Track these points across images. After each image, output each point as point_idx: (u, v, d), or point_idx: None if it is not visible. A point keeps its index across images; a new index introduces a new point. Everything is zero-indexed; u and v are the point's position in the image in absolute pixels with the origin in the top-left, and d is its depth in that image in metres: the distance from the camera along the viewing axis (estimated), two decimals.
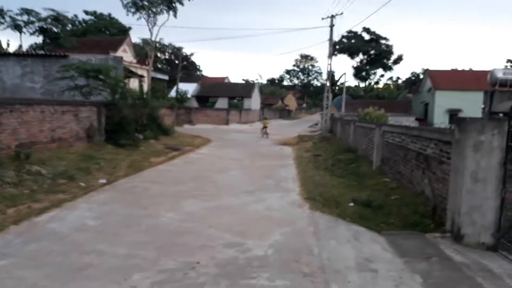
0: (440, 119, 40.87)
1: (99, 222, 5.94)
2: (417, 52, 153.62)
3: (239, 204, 7.35)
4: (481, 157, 5.56)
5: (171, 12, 26.18)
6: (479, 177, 5.57)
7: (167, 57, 64.65)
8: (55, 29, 25.88)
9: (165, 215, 6.46)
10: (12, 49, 30.40)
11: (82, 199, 7.30)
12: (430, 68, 47.15)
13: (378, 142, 11.87)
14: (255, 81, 67.93)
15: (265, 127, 25.69)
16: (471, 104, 38.96)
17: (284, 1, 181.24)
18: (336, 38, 26.73)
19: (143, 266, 4.35)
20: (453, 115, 41.56)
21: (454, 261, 5.01)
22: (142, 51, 31.88)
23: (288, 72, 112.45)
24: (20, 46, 29.11)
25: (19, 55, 18.75)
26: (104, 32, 54.90)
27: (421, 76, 67.68)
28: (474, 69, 49.77)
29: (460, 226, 5.74)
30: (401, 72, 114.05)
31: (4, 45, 31.68)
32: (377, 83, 71.45)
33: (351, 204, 7.89)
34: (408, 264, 4.86)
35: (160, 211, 6.67)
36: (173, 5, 25.87)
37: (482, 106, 33.11)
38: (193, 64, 68.75)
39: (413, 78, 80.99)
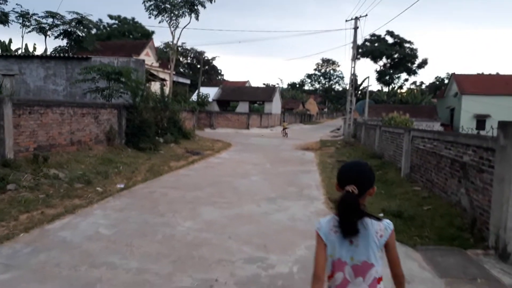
0: (467, 125, 39.56)
1: (113, 230, 5.62)
2: (441, 56, 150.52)
3: (260, 213, 6.92)
4: None
5: (193, 15, 26.20)
6: None
7: (189, 61, 65.16)
8: (79, 33, 26.11)
9: (182, 223, 6.10)
10: (38, 52, 30.97)
11: (98, 205, 7.02)
12: (456, 73, 45.69)
13: (407, 148, 11.26)
14: (276, 85, 67.48)
15: (284, 128, 30.70)
16: (500, 109, 37.57)
17: (306, 6, 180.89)
18: (359, 41, 26.12)
19: (155, 283, 3.98)
20: (481, 120, 40.22)
21: (503, 283, 4.46)
22: (165, 55, 32.03)
23: (309, 76, 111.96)
24: (46, 50, 29.59)
25: (42, 57, 18.85)
26: (128, 36, 55.66)
27: (446, 81, 65.97)
28: (501, 73, 48.10)
29: (507, 243, 5.16)
30: (425, 77, 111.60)
31: (31, 49, 32.34)
32: (400, 87, 69.93)
33: (381, 214, 7.37)
34: (451, 286, 4.34)
35: (178, 219, 6.31)
36: (195, 7, 25.82)
37: None
38: (214, 68, 69.09)
39: (437, 82, 79.20)
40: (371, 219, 1.99)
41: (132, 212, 6.67)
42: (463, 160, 7.28)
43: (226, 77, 76.52)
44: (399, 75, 66.72)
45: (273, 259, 4.73)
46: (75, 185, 8.32)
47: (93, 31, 41.76)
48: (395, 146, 13.07)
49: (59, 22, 25.25)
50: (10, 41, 31.56)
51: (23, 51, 30.36)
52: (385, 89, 69.50)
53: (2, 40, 31.20)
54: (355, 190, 1.95)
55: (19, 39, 57.87)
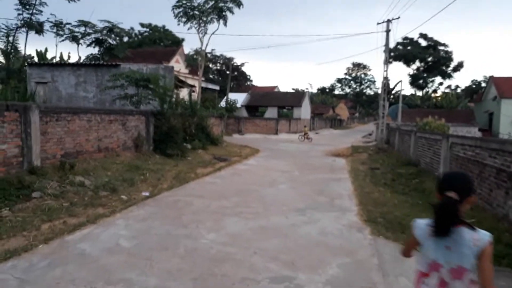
0: (507, 130, 37.66)
1: (134, 242, 5.38)
2: (478, 59, 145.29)
3: (288, 225, 6.53)
4: None
5: (221, 21, 26.15)
6: None
7: (218, 67, 65.61)
8: (110, 41, 26.58)
9: (205, 236, 5.80)
10: (72, 61, 31.82)
11: (121, 214, 6.83)
12: (494, 75, 43.62)
13: (445, 156, 10.59)
14: (305, 90, 66.82)
15: (305, 133, 30.80)
16: None
17: (336, 10, 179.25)
18: (391, 44, 25.31)
19: None
20: None
21: None
22: (194, 62, 32.20)
23: (339, 80, 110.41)
24: (79, 58, 30.36)
25: (73, 65, 19.25)
26: (159, 43, 56.52)
27: (483, 84, 63.30)
28: None
29: None
30: (461, 80, 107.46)
31: (65, 57, 33.30)
32: (435, 91, 67.63)
33: None
34: None
35: (201, 231, 6.02)
36: (224, 13, 25.77)
37: None
38: (243, 74, 69.25)
39: (473, 86, 76.19)
40: (467, 228, 2.12)
41: (155, 222, 6.43)
42: (510, 169, 6.65)
43: (255, 83, 76.62)
44: (433, 78, 64.46)
45: (301, 279, 4.34)
46: (100, 193, 8.20)
47: (125, 39, 42.62)
48: (432, 153, 12.37)
49: (91, 31, 25.81)
50: (46, 50, 32.60)
51: (58, 59, 31.31)
52: (419, 93, 67.50)
53: (38, 50, 32.32)
54: (456, 196, 2.10)
55: (53, 47, 60.06)
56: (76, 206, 7.10)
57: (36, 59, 31.74)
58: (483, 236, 2.10)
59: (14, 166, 7.87)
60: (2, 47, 28.24)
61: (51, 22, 24.56)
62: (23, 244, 5.08)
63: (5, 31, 25.68)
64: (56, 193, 7.61)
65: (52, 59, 30.96)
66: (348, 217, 7.19)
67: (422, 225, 2.26)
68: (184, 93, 23.91)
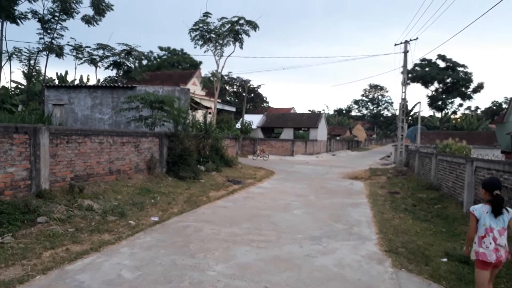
0: None
1: (137, 274, 5.04)
2: (498, 80, 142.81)
3: (302, 256, 6.10)
4: None
5: (237, 44, 26.29)
6: None
7: (235, 89, 66.04)
8: (128, 63, 26.95)
9: (213, 267, 5.42)
10: (91, 83, 32.38)
11: (126, 242, 6.52)
12: None
13: (470, 180, 10.03)
14: (322, 112, 66.41)
15: (262, 150, 31.47)
16: None
17: (352, 32, 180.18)
18: (409, 66, 24.93)
19: None
20: None
21: None
22: (210, 84, 32.40)
23: (356, 102, 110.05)
24: (98, 81, 30.86)
25: (89, 87, 19.40)
26: (177, 66, 57.44)
27: (504, 105, 61.79)
28: None
29: None
30: (481, 101, 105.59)
31: (85, 79, 33.96)
32: (454, 113, 66.35)
33: (444, 259, 6.31)
34: None
35: (209, 261, 5.65)
36: (240, 36, 25.91)
37: None
38: (259, 95, 69.46)
39: (494, 107, 74.70)
40: (506, 208, 4.00)
41: (161, 251, 6.09)
42: None
43: (271, 104, 76.66)
44: (452, 100, 63.24)
45: None
46: (108, 218, 7.94)
47: (144, 62, 43.30)
48: (454, 177, 11.79)
49: (109, 54, 26.24)
50: (66, 73, 33.36)
51: (78, 82, 31.90)
52: (438, 115, 66.36)
53: (59, 73, 33.06)
54: (500, 192, 3.95)
55: (73, 70, 61.66)
56: (81, 232, 6.84)
57: (57, 81, 32.44)
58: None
59: (21, 190, 7.71)
60: (24, 70, 28.95)
61: (71, 45, 25.15)
62: (20, 274, 4.80)
63: (27, 54, 26.41)
64: (63, 218, 7.39)
65: (72, 81, 31.59)
66: (368, 247, 6.72)
67: (479, 208, 4.05)
68: (199, 114, 23.88)
